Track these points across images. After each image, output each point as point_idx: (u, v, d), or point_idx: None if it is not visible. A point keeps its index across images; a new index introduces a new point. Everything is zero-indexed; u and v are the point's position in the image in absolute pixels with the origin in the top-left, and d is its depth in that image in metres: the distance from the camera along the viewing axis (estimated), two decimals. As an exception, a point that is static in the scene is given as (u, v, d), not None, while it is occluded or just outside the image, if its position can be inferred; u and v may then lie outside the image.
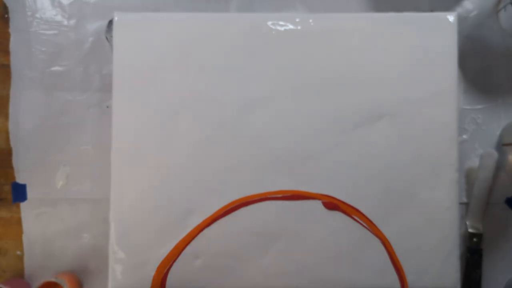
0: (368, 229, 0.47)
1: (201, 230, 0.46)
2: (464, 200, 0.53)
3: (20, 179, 0.54)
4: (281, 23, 0.47)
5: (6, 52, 0.54)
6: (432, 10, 0.53)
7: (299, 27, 0.47)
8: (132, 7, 0.54)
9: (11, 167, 0.54)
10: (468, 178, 0.53)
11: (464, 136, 0.53)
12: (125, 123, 0.47)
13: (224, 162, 0.47)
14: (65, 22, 0.54)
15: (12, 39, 0.54)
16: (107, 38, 0.53)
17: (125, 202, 0.47)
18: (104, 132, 0.53)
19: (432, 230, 0.47)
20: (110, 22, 0.51)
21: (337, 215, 0.47)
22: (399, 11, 0.48)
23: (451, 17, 0.47)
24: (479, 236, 0.52)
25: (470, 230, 0.52)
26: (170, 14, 0.49)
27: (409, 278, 0.46)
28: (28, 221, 0.54)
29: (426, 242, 0.47)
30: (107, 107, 0.54)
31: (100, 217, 0.53)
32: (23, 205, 0.54)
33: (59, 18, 0.54)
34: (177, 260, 0.46)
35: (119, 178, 0.47)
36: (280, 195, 0.46)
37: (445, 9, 0.53)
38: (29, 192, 0.54)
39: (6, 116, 0.54)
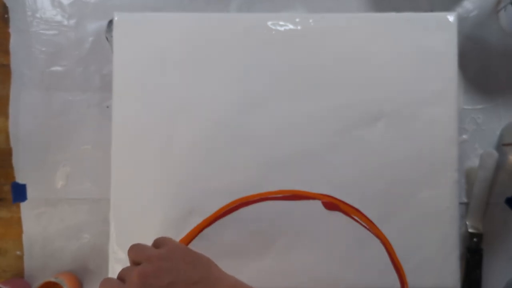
0: (368, 229, 0.47)
1: (201, 230, 0.46)
2: (464, 200, 0.53)
3: (20, 179, 0.54)
4: (281, 23, 0.47)
5: (6, 52, 0.54)
6: (432, 10, 0.53)
7: (299, 27, 0.47)
8: (132, 7, 0.54)
9: (11, 167, 0.54)
10: (468, 178, 0.53)
11: (464, 136, 0.53)
12: (125, 123, 0.47)
13: (224, 162, 0.47)
14: (65, 22, 0.54)
15: (12, 39, 0.54)
16: (107, 38, 0.53)
17: (125, 202, 0.47)
18: (104, 132, 0.53)
19: (432, 230, 0.47)
20: (110, 22, 0.51)
21: (337, 215, 0.47)
22: (399, 11, 0.48)
23: (451, 17, 0.47)
24: (479, 236, 0.52)
25: (470, 230, 0.52)
26: (170, 14, 0.49)
27: (409, 278, 0.46)
28: (28, 221, 0.53)
29: (426, 242, 0.47)
30: (107, 107, 0.54)
31: (100, 217, 0.53)
32: (23, 205, 0.54)
33: (59, 18, 0.54)
34: (177, 260, 0.46)
35: (119, 178, 0.47)
36: (280, 195, 0.46)
37: (445, 9, 0.53)
38: (29, 192, 0.54)
39: (6, 116, 0.54)
